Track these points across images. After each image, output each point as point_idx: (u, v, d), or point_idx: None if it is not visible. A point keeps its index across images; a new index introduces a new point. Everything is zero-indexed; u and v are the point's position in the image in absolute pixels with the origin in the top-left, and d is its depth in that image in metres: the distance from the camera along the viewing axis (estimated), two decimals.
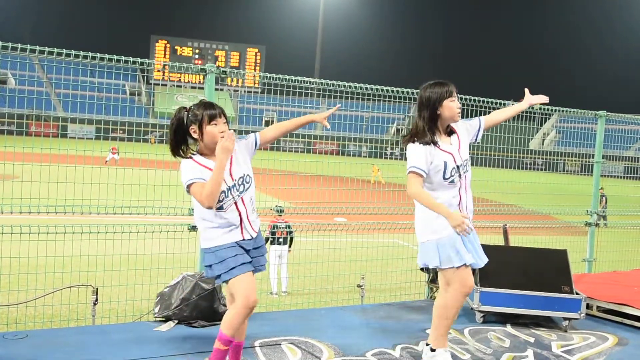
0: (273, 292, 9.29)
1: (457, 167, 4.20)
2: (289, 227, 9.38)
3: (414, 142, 4.18)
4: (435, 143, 4.17)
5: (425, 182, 4.19)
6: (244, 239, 3.72)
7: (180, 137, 3.71)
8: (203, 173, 3.63)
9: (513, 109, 4.79)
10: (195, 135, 3.69)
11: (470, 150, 4.50)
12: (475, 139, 4.54)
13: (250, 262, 3.73)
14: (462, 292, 4.25)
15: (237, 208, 3.70)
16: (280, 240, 9.44)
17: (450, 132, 4.31)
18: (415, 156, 4.14)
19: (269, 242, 9.45)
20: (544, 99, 4.78)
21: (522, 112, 7.83)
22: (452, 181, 4.18)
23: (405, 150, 4.25)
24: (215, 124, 3.67)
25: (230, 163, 3.70)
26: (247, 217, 3.73)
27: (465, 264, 4.19)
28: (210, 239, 3.73)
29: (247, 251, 3.74)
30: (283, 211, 9.24)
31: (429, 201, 4.10)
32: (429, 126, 4.20)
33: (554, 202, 8.60)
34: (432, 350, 4.36)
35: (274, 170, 6.76)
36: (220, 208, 3.65)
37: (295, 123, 4.05)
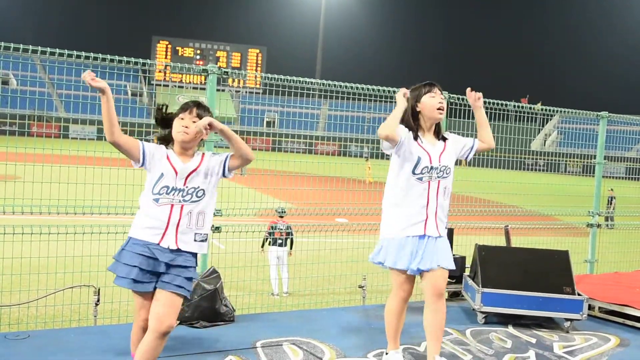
0: (274, 293, 9.28)
1: (431, 168, 4.12)
2: (289, 228, 9.35)
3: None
4: (416, 138, 4.16)
5: (398, 173, 4.17)
6: (158, 245, 3.45)
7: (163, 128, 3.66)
8: (161, 160, 3.51)
9: (479, 121, 4.49)
10: (166, 130, 3.62)
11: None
12: (466, 158, 4.42)
13: (149, 282, 3.47)
14: (395, 295, 4.24)
15: (171, 212, 3.46)
16: (279, 241, 9.41)
17: (440, 137, 4.26)
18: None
19: (267, 242, 9.44)
20: (475, 95, 4.43)
21: (524, 113, 7.87)
22: (420, 179, 4.11)
23: None
24: (182, 118, 3.54)
25: (193, 170, 3.53)
26: (177, 227, 3.47)
27: (398, 269, 4.14)
28: (133, 229, 3.54)
29: (159, 263, 3.46)
30: (285, 212, 9.22)
31: (392, 119, 3.99)
32: (412, 123, 4.20)
33: (555, 203, 8.60)
34: (386, 354, 4.39)
35: (275, 170, 6.77)
36: (155, 200, 3.48)
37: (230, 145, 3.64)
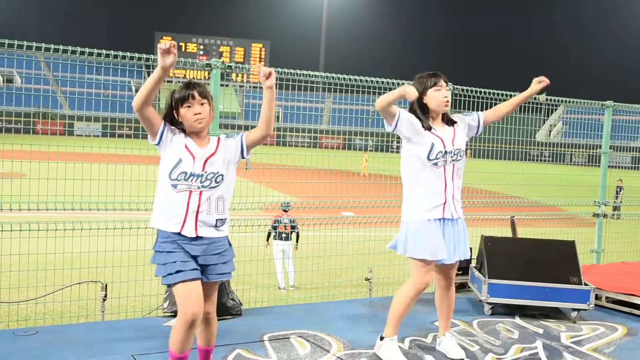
0: (281, 287, 9.30)
1: (446, 152, 4.19)
2: (293, 221, 9.34)
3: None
4: (429, 128, 4.21)
5: (413, 161, 4.23)
6: (180, 234, 3.41)
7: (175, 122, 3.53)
8: (180, 146, 3.43)
9: (518, 98, 4.64)
10: (178, 119, 3.48)
11: (477, 142, 4.52)
12: (477, 133, 4.55)
13: (194, 269, 3.42)
14: (415, 287, 4.25)
15: (189, 199, 3.40)
16: (283, 235, 9.41)
17: (448, 121, 4.34)
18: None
19: (271, 236, 9.44)
20: (543, 82, 4.53)
21: (529, 103, 7.84)
22: (436, 164, 4.18)
23: None
24: (189, 106, 3.43)
25: (211, 155, 3.47)
26: (196, 215, 3.41)
27: (426, 260, 4.19)
28: (154, 219, 3.51)
29: (194, 257, 3.44)
30: (289, 207, 9.22)
31: (388, 95, 4.02)
32: (422, 114, 4.24)
33: (561, 194, 8.57)
34: (381, 338, 4.40)
35: (280, 165, 6.77)
36: (174, 186, 3.41)
37: (265, 108, 3.63)
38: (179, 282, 3.37)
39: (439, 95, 4.21)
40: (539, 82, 4.53)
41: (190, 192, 3.41)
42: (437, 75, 4.25)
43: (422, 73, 4.32)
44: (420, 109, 4.25)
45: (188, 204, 3.41)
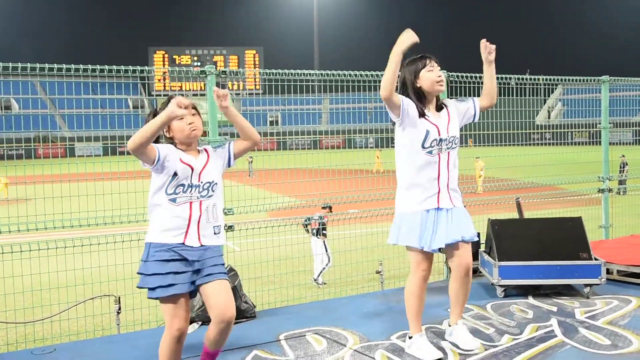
0: (318, 282, 9.50)
1: (440, 140, 4.09)
2: (321, 217, 9.48)
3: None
4: (423, 114, 4.11)
5: (406, 149, 4.14)
6: (184, 244, 3.45)
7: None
8: (174, 161, 3.44)
9: (486, 72, 4.32)
10: (168, 134, 3.56)
11: (477, 129, 4.44)
12: (474, 120, 4.40)
13: (186, 282, 3.45)
14: (415, 277, 4.21)
15: (191, 210, 3.47)
16: (314, 231, 9.57)
17: (441, 107, 4.23)
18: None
19: (310, 234, 9.63)
20: (488, 47, 4.26)
21: (526, 85, 7.84)
22: (430, 152, 4.08)
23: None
24: (181, 118, 3.46)
25: (205, 164, 3.55)
26: (198, 224, 3.49)
27: (413, 247, 4.14)
28: (152, 234, 3.49)
29: (191, 262, 3.46)
30: (328, 208, 9.32)
31: (387, 72, 3.88)
32: (417, 101, 4.12)
33: (565, 174, 8.57)
34: (410, 337, 4.34)
35: (282, 169, 6.79)
36: (172, 200, 3.45)
37: (237, 123, 3.69)
38: (170, 295, 3.41)
39: (432, 76, 4.08)
40: (488, 53, 4.26)
41: (191, 203, 3.49)
42: (426, 57, 4.13)
43: (409, 58, 4.16)
44: (416, 95, 4.13)
45: (190, 214, 3.47)
